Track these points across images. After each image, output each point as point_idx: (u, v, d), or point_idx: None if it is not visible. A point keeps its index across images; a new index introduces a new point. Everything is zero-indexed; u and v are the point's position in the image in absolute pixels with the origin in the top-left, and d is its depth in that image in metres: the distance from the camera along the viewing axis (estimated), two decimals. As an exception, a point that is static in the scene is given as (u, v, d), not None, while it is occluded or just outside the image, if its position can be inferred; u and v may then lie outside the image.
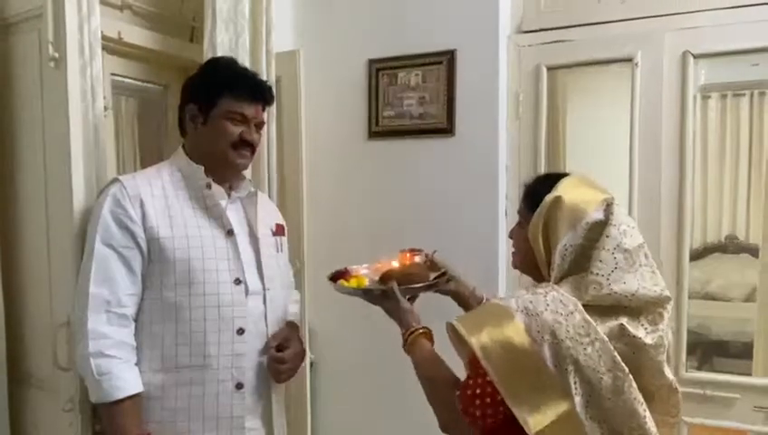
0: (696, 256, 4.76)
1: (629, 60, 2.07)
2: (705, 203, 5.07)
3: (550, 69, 2.22)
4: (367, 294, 1.45)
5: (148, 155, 2.34)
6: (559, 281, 1.15)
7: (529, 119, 2.24)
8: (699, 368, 3.30)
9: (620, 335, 1.09)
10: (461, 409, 1.10)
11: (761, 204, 2.27)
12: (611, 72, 2.29)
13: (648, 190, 2.07)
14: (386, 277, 1.45)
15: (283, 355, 1.54)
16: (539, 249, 1.17)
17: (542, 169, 2.23)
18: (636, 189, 2.08)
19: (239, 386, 1.49)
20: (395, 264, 1.52)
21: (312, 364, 2.36)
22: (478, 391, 1.08)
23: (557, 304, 1.08)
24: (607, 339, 1.07)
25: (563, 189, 1.17)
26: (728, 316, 4.27)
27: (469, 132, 2.22)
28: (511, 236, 1.32)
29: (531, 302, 1.08)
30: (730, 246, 5.06)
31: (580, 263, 1.13)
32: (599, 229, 1.13)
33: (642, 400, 1.08)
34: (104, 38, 1.68)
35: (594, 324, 1.07)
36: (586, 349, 1.05)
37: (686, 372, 2.05)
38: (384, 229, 2.35)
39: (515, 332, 1.06)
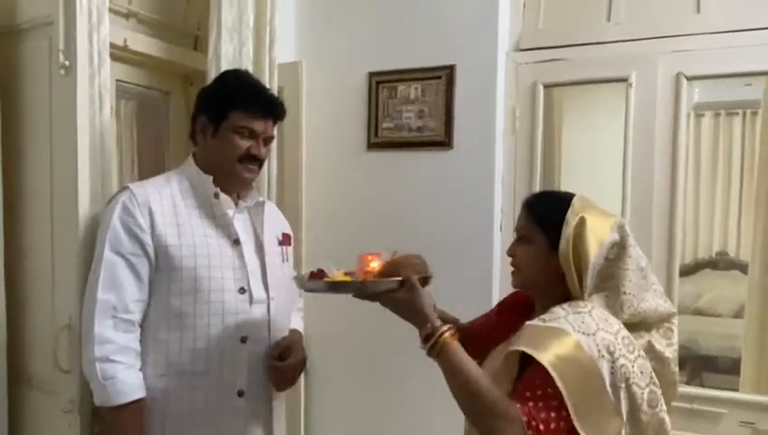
0: (687, 271, 4.80)
1: (624, 80, 2.11)
2: (697, 219, 5.12)
3: (546, 86, 2.26)
4: (375, 286, 1.20)
5: (149, 161, 2.36)
6: (588, 298, 1.18)
7: (525, 134, 2.28)
8: (688, 383, 3.34)
9: (649, 351, 1.15)
10: (525, 422, 1.03)
11: (751, 222, 2.31)
12: (606, 91, 2.34)
13: (640, 206, 2.11)
14: (391, 268, 1.23)
15: (285, 365, 1.55)
16: (569, 267, 1.18)
17: (538, 184, 2.26)
18: (628, 205, 2.12)
19: (241, 393, 1.51)
20: (374, 265, 1.27)
21: (305, 372, 2.38)
22: (541, 404, 1.05)
23: (605, 323, 1.11)
24: (645, 354, 1.12)
25: (581, 210, 1.20)
26: (717, 332, 4.30)
27: (467, 146, 2.25)
28: (510, 254, 1.29)
29: (582, 322, 1.10)
30: (720, 263, 5.10)
31: (602, 281, 1.18)
32: (617, 249, 1.18)
33: (667, 411, 1.14)
34: (110, 45, 1.70)
35: (635, 341, 1.12)
36: (633, 365, 1.09)
37: (675, 386, 2.08)
38: (381, 238, 2.37)
39: (579, 351, 1.06)
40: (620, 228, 1.19)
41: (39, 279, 1.69)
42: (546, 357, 1.04)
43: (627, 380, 1.08)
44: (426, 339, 1.14)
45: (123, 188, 1.50)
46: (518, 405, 1.05)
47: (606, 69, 2.14)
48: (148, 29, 2.09)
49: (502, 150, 2.26)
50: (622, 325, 1.13)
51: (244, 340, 1.50)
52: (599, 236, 1.18)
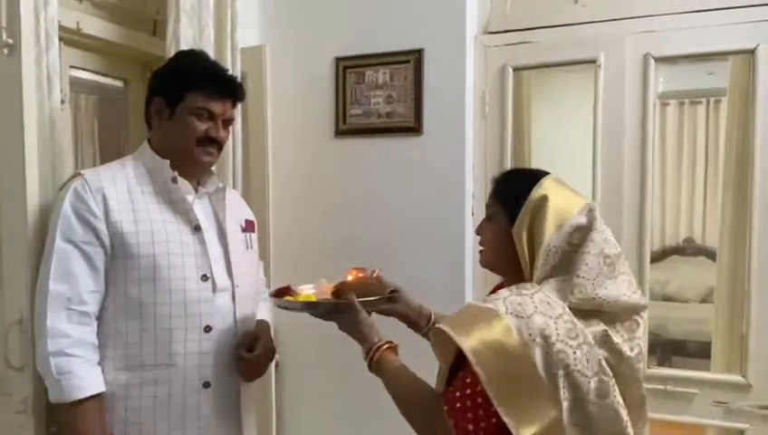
0: (655, 258, 4.89)
1: (593, 62, 2.10)
2: (664, 207, 5.22)
3: (515, 69, 2.24)
4: (322, 307, 1.39)
5: (108, 150, 2.28)
6: (540, 281, 1.13)
7: (495, 118, 2.26)
8: (659, 366, 3.38)
9: (603, 342, 1.08)
10: (453, 424, 1.05)
11: (717, 208, 2.33)
12: (576, 74, 2.33)
13: (610, 191, 2.09)
14: (341, 290, 1.38)
15: (253, 356, 1.51)
16: (522, 247, 1.15)
17: (508, 167, 2.23)
18: (599, 190, 2.11)
19: (206, 385, 1.46)
20: (349, 278, 1.46)
21: (276, 364, 2.33)
22: (469, 403, 1.04)
23: (545, 307, 1.06)
24: (593, 342, 1.06)
25: (547, 189, 1.16)
26: (685, 317, 4.39)
27: (436, 131, 2.22)
28: (478, 233, 1.29)
29: (519, 304, 1.05)
30: (688, 249, 5.21)
31: (563, 266, 1.13)
32: (582, 234, 1.13)
33: (624, 404, 1.08)
34: (62, 28, 1.63)
35: (581, 327, 1.06)
36: (575, 352, 1.03)
37: (648, 368, 2.08)
38: (350, 227, 2.33)
39: (506, 335, 1.02)
40: (589, 212, 1.14)
41: (-14, 273, 1.60)
42: (468, 342, 1.03)
43: (566, 366, 1.02)
44: (366, 354, 1.27)
45: (75, 175, 1.43)
46: (446, 408, 1.07)
47: (574, 51, 2.13)
48: (104, 12, 2.00)
49: (472, 135, 2.24)
50: (568, 310, 1.07)
51: (208, 329, 1.45)
52: (561, 217, 1.13)
